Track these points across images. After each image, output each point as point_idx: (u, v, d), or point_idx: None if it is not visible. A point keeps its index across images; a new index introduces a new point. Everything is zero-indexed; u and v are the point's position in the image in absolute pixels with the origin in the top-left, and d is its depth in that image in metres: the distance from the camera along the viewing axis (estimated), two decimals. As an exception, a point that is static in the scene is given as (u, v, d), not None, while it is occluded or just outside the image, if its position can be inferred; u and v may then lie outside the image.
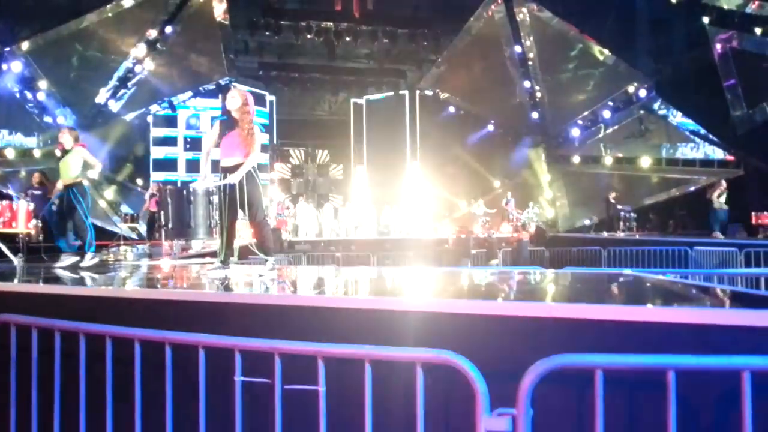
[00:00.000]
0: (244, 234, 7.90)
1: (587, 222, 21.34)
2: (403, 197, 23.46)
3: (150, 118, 22.53)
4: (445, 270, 8.23)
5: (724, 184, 15.03)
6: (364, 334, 2.73)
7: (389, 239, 19.19)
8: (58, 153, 7.06)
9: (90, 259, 6.88)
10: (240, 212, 5.53)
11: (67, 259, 6.84)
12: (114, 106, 20.11)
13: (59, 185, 7.08)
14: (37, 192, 11.91)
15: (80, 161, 7.00)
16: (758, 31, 17.16)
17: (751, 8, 16.72)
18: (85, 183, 7.14)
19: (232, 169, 5.44)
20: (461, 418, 2.21)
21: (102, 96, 19.68)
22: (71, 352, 2.82)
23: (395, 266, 13.17)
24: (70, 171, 6.94)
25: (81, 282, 5.06)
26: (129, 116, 21.06)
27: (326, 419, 2.34)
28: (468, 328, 2.76)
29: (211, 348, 2.53)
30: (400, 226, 21.34)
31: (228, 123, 5.66)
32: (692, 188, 19.22)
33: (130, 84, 20.20)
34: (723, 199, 14.62)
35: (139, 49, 19.57)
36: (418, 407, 2.19)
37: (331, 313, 3.07)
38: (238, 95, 5.71)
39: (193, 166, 23.31)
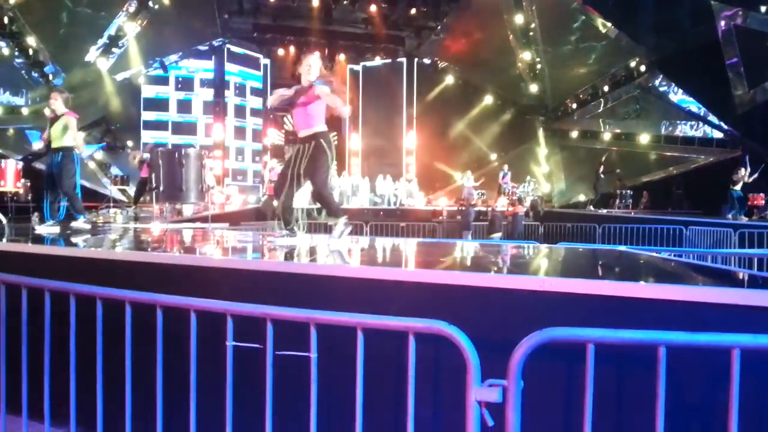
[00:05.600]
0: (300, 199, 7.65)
1: (582, 198, 21.35)
2: (399, 167, 23.39)
3: (141, 79, 22.22)
4: (439, 242, 8.24)
5: (742, 170, 14.83)
6: (357, 303, 2.72)
7: (383, 209, 19.18)
8: (47, 113, 6.93)
9: (82, 222, 6.83)
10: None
11: (47, 228, 6.73)
12: (104, 64, 19.77)
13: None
14: None
15: (67, 129, 6.90)
16: (763, 8, 16.97)
17: (757, -15, 16.53)
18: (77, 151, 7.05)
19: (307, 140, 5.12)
20: (452, 388, 2.21)
21: (92, 54, 19.34)
22: (61, 312, 2.81)
23: (389, 237, 13.18)
24: (60, 136, 6.84)
25: (71, 244, 5.03)
26: (119, 76, 20.74)
27: (317, 386, 2.35)
28: (461, 299, 2.76)
29: (202, 312, 2.52)
30: (395, 196, 21.32)
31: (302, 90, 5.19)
32: (691, 167, 19.14)
33: (120, 42, 19.84)
34: (738, 186, 14.49)
35: (131, 7, 19.17)
36: (409, 376, 2.19)
37: (324, 281, 3.07)
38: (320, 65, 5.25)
39: (184, 129, 23.13)
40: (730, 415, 1.96)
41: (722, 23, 17.18)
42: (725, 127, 18.72)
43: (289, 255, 4.24)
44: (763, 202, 15.23)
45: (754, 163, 14.93)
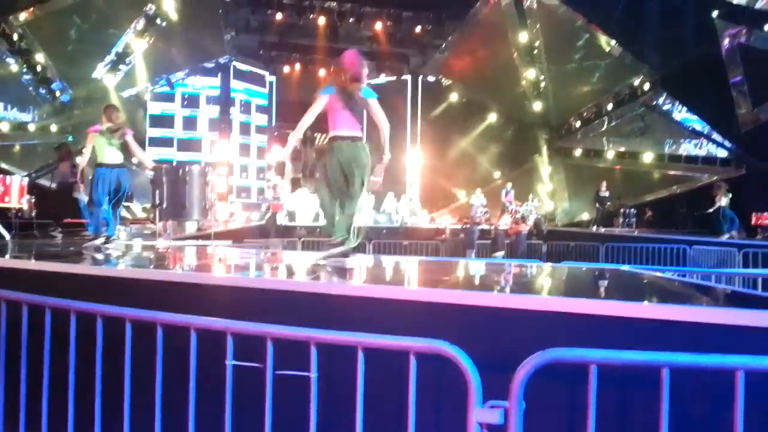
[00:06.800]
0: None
1: (586, 216, 21.28)
2: (402, 185, 23.40)
3: (147, 95, 22.38)
4: (442, 260, 8.23)
5: (724, 184, 14.92)
6: (358, 322, 2.71)
7: (386, 227, 19.16)
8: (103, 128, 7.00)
9: (102, 241, 6.82)
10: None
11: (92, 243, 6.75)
12: (111, 81, 19.93)
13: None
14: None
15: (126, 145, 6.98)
16: (767, 27, 17.04)
17: (761, 4, 16.60)
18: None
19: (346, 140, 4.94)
20: (453, 409, 2.19)
21: (99, 71, 19.49)
22: (61, 329, 2.80)
23: (391, 255, 13.16)
24: (116, 153, 6.93)
25: (74, 261, 5.03)
26: (126, 93, 20.89)
27: (317, 406, 2.32)
28: (463, 319, 2.74)
29: (202, 330, 2.51)
30: (398, 214, 21.30)
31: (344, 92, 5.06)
32: (695, 186, 19.09)
33: (128, 59, 20.01)
34: (726, 200, 14.46)
35: (139, 24, 19.35)
36: (410, 397, 2.17)
37: (325, 299, 3.06)
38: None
39: (189, 146, 23.23)
40: (735, 437, 1.93)
41: (726, 42, 17.24)
42: (729, 145, 18.71)
43: (292, 273, 4.23)
44: (768, 221, 15.17)
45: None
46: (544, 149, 23.38)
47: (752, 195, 17.88)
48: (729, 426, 1.94)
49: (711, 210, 14.47)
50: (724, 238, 13.40)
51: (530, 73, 22.04)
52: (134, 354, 2.66)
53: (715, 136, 19.00)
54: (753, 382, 1.92)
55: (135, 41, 19.68)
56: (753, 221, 14.97)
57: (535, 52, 21.53)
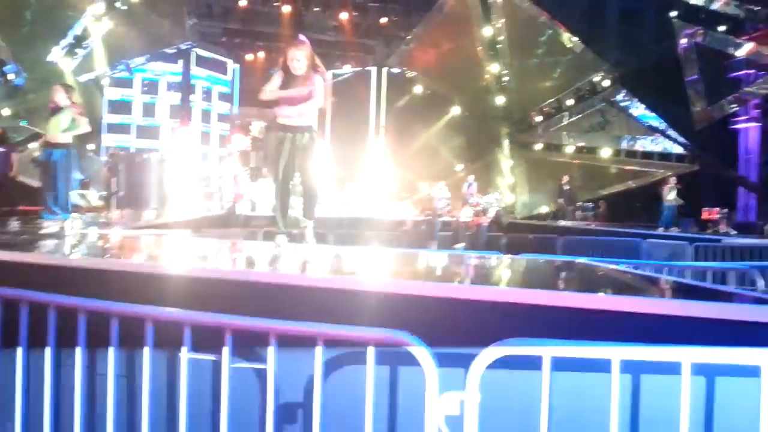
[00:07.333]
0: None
1: (545, 209, 21.66)
2: (365, 175, 23.37)
3: (105, 81, 21.79)
4: (402, 251, 8.26)
5: (673, 180, 15.37)
6: (317, 313, 2.70)
7: (348, 218, 19.10)
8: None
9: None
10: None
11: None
12: (68, 65, 19.30)
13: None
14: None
15: (69, 121, 6.73)
16: (722, 28, 17.56)
17: (717, 5, 17.07)
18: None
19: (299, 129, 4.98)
20: (411, 399, 2.21)
21: (55, 54, 18.84)
22: (12, 321, 2.72)
23: (353, 245, 13.13)
24: (59, 130, 6.67)
25: (24, 249, 4.88)
26: (83, 77, 20.26)
27: (276, 397, 2.31)
28: (422, 310, 2.76)
29: (158, 321, 2.46)
30: (361, 204, 21.27)
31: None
32: (650, 181, 19.62)
33: (85, 43, 19.40)
34: (672, 195, 14.93)
35: (98, 7, 18.78)
36: (368, 387, 2.18)
37: (284, 290, 3.03)
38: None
39: (148, 132, 22.75)
40: (681, 426, 2.00)
41: (683, 41, 17.71)
42: (684, 142, 19.26)
43: (251, 263, 4.19)
44: (718, 216, 15.68)
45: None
46: (506, 143, 23.66)
47: (704, 191, 18.49)
48: (676, 413, 2.01)
49: (670, 201, 14.85)
50: (661, 230, 13.89)
51: (494, 68, 22.24)
52: (88, 345, 2.60)
53: (671, 132, 19.54)
54: (699, 371, 1.99)
55: (93, 25, 19.07)
56: (704, 216, 15.47)
57: (499, 46, 21.72)
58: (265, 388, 2.31)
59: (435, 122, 24.33)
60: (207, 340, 2.38)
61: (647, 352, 2.04)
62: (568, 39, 20.38)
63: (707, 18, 17.61)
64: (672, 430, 2.03)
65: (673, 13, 18.14)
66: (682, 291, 3.59)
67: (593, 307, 2.54)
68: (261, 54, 24.56)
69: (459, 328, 2.67)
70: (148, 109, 22.95)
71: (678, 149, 19.63)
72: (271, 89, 5.09)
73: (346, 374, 2.46)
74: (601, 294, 2.90)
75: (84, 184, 16.59)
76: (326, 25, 23.98)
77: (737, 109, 18.25)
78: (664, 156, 20.03)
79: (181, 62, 23.10)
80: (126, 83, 22.39)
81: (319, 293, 2.95)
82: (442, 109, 24.44)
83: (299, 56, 5.06)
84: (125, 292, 2.88)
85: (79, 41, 19.16)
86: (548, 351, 2.03)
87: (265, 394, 2.31)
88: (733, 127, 19.30)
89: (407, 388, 2.30)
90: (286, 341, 2.34)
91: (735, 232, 14.21)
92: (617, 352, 2.02)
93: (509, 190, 23.38)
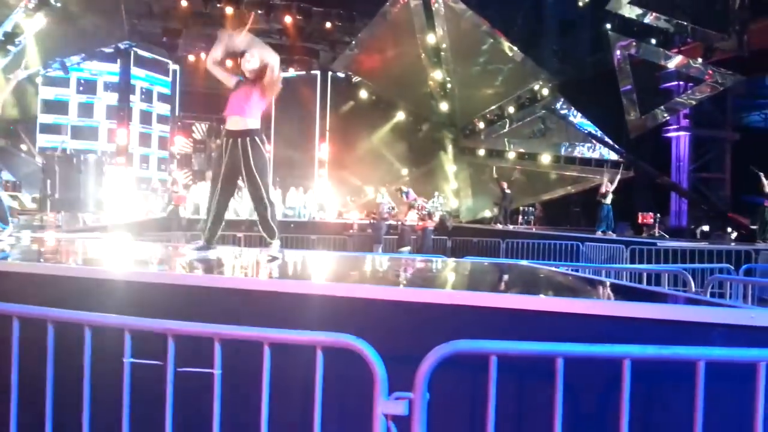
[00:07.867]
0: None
1: (488, 214, 22.07)
2: (310, 179, 23.25)
3: (39, 79, 20.92)
4: (348, 255, 8.26)
5: (607, 183, 15.69)
6: (263, 318, 2.67)
7: (294, 221, 18.96)
8: None
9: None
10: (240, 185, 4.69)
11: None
12: (-1, 63, 18.40)
13: None
14: None
15: None
16: (654, 41, 18.36)
17: (649, 19, 17.84)
18: None
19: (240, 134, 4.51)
20: (360, 401, 2.21)
21: (-15, 51, 17.97)
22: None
23: (299, 249, 13.04)
24: None
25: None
26: (14, 75, 19.33)
27: (221, 403, 2.27)
28: (369, 313, 2.76)
29: (98, 328, 2.38)
30: (306, 208, 21.14)
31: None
32: (588, 186, 20.22)
33: (17, 40, 18.54)
34: (608, 200, 15.33)
35: (30, 2, 17.99)
36: (316, 391, 2.17)
37: (229, 294, 2.99)
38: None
39: (85, 133, 21.95)
40: (621, 422, 2.07)
41: (618, 52, 18.42)
42: (619, 149, 20.02)
43: (196, 267, 4.10)
44: (652, 220, 16.35)
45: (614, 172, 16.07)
46: (450, 148, 24.02)
47: (639, 196, 19.25)
48: (617, 410, 2.08)
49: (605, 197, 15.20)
50: (598, 234, 14.37)
51: (437, 74, 22.54)
52: (22, 353, 2.48)
53: (607, 140, 20.26)
54: (638, 369, 2.07)
55: (26, 21, 18.25)
56: (639, 220, 16.09)
57: (443, 54, 22.04)
58: (212, 392, 2.26)
59: (380, 127, 24.46)
60: (150, 345, 2.32)
61: (587, 351, 2.11)
62: (509, 48, 20.87)
63: (640, 31, 18.40)
64: (612, 426, 2.10)
65: (608, 26, 18.86)
66: (620, 292, 3.72)
67: (536, 308, 2.61)
68: (203, 55, 24.05)
69: (406, 331, 2.69)
70: (85, 109, 22.14)
71: (614, 156, 20.37)
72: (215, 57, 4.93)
73: (294, 378, 2.44)
74: (542, 295, 2.98)
75: (15, 186, 15.88)
76: (271, 28, 23.71)
77: (669, 118, 19.10)
78: (601, 162, 20.75)
79: (119, 62, 22.40)
80: (61, 82, 21.53)
81: (265, 297, 2.92)
82: (387, 114, 24.58)
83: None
84: (62, 297, 2.78)
85: (10, 38, 18.29)
86: (493, 351, 2.07)
87: (211, 398, 2.26)
88: (666, 135, 20.19)
89: (356, 390, 2.30)
90: (232, 346, 2.30)
91: (668, 236, 14.86)
92: (560, 352, 2.08)
93: (453, 195, 23.71)
